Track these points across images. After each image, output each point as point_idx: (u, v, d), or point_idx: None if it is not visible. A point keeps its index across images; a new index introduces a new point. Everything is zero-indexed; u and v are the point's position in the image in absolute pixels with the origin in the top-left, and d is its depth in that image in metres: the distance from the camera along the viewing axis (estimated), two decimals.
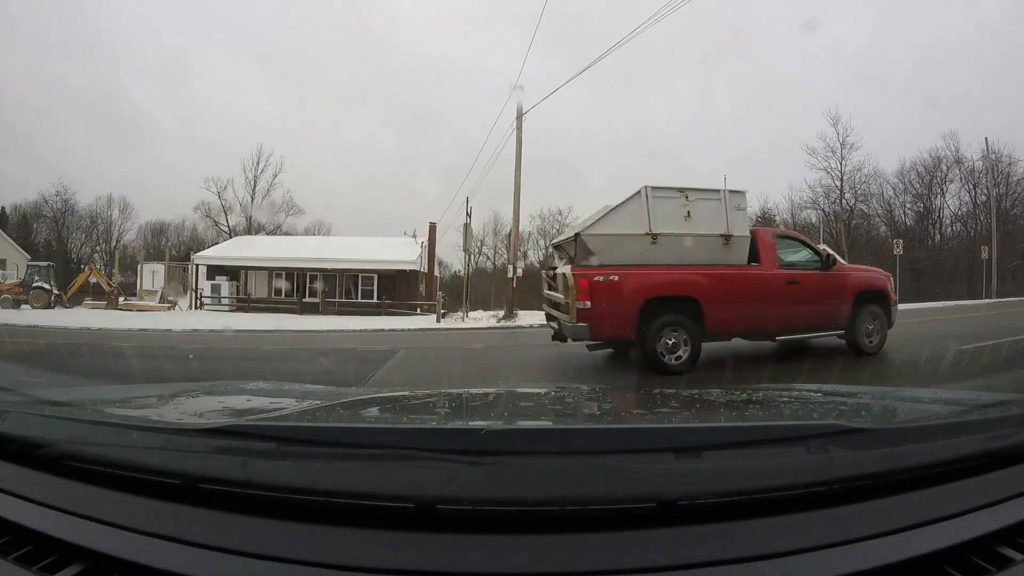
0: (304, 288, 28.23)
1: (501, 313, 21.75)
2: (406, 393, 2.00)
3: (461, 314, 22.88)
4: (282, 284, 28.54)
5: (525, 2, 45.96)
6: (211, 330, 15.18)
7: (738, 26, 67.94)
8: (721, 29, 68.75)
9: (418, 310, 26.71)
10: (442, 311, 22.42)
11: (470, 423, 1.45)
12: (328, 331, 16.18)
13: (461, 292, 26.81)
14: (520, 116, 21.33)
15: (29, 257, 35.14)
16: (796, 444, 0.99)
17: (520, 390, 2.32)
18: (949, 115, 66.76)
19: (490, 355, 10.28)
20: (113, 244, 50.08)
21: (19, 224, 48.45)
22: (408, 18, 74.56)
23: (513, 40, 58.09)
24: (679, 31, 64.97)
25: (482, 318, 21.76)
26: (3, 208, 49.38)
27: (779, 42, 66.95)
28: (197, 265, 29.78)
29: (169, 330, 15.25)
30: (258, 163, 47.89)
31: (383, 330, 17.11)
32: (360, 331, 16.46)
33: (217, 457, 0.99)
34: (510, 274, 21.83)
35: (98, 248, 50.60)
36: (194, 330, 15.17)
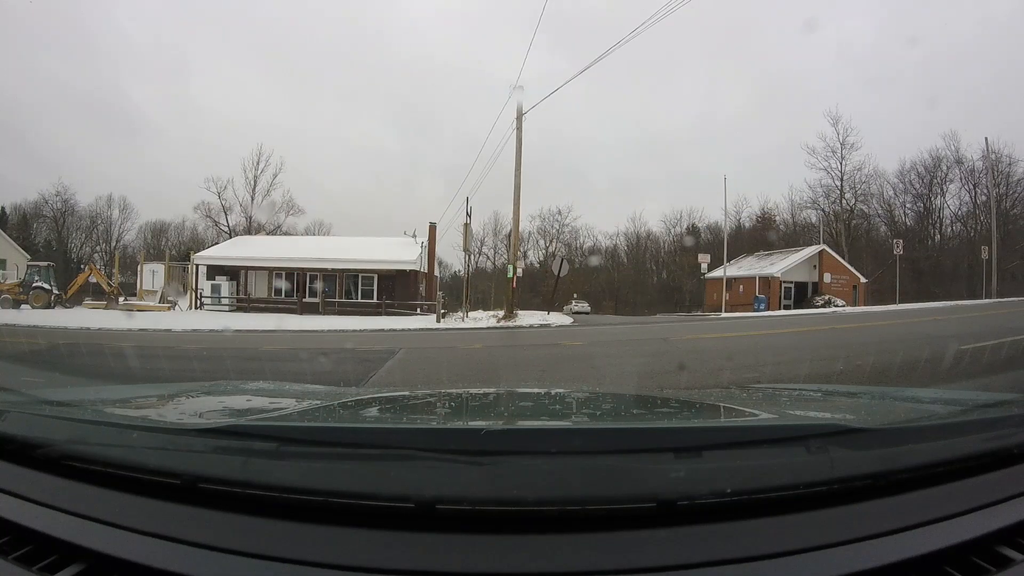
0: (304, 288, 28.21)
1: (501, 313, 21.70)
2: (406, 393, 2.00)
3: (461, 314, 22.86)
4: (282, 284, 28.54)
5: (528, 2, 45.82)
6: (211, 330, 15.17)
7: (740, 27, 68.08)
8: (723, 30, 68.84)
9: (418, 310, 26.70)
10: (442, 311, 22.38)
11: (470, 423, 1.45)
12: (328, 331, 16.14)
13: (461, 292, 26.81)
14: (520, 116, 21.32)
15: (29, 257, 35.12)
16: (796, 444, 0.98)
17: (520, 390, 2.32)
18: (949, 115, 66.89)
19: (491, 355, 10.24)
20: (113, 244, 50.29)
21: (19, 224, 48.49)
22: (410, 18, 74.64)
23: (516, 40, 58.25)
24: (681, 33, 65.15)
25: (482, 318, 21.75)
26: (3, 208, 49.45)
27: (781, 43, 67.18)
28: (197, 265, 29.79)
29: (169, 330, 15.19)
30: (258, 163, 48.13)
31: (383, 330, 17.06)
32: (360, 331, 16.41)
33: (217, 457, 0.99)
34: (510, 274, 21.76)
35: (98, 248, 50.75)
36: (194, 330, 15.14)
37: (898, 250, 31.83)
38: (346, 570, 0.78)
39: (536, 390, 2.36)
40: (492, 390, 2.17)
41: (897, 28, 59.14)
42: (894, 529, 0.85)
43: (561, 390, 2.24)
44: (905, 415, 1.53)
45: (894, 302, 28.63)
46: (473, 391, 2.12)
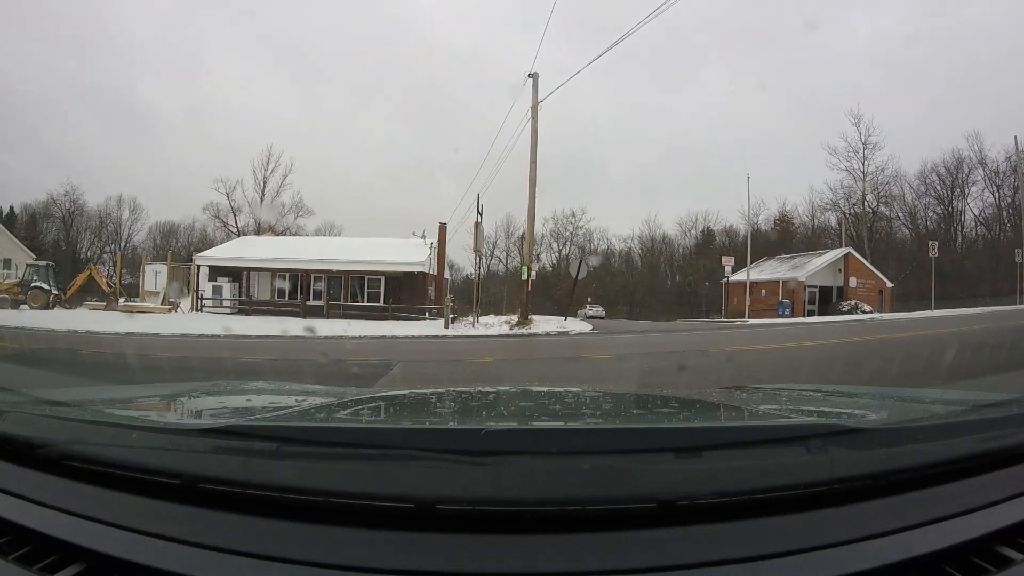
0: (308, 290, 27.87)
1: (514, 319, 20.76)
2: (406, 393, 2.00)
3: (472, 319, 21.75)
4: (285, 286, 28.17)
5: None
6: (200, 335, 14.97)
7: (760, 26, 67.60)
8: (743, 30, 68.32)
9: (426, 314, 25.98)
10: (451, 316, 20.93)
11: (470, 423, 1.45)
12: (325, 338, 15.06)
13: (472, 295, 26.13)
14: (535, 105, 20.31)
15: (35, 257, 35.15)
16: (796, 444, 0.98)
17: (521, 390, 2.32)
18: (972, 114, 65.99)
19: (503, 373, 8.90)
20: (123, 245, 50.48)
21: (28, 224, 48.67)
22: (419, 13, 74.40)
23: (531, 35, 57.61)
24: (701, 33, 64.67)
25: (494, 324, 20.81)
26: (12, 208, 49.73)
27: (803, 42, 66.33)
28: (199, 266, 29.56)
29: (157, 334, 14.79)
30: (268, 164, 48.25)
31: (384, 337, 16.18)
32: (360, 338, 15.41)
33: (217, 457, 0.99)
34: (524, 276, 20.89)
35: (108, 249, 50.89)
36: (183, 335, 14.85)
37: (933, 252, 29.89)
38: (346, 570, 0.78)
39: (537, 389, 2.36)
40: (492, 390, 2.17)
41: (917, 26, 58.09)
42: (894, 529, 0.85)
43: (561, 389, 2.24)
44: (905, 415, 1.53)
45: (920, 307, 27.22)
46: (474, 390, 2.12)
